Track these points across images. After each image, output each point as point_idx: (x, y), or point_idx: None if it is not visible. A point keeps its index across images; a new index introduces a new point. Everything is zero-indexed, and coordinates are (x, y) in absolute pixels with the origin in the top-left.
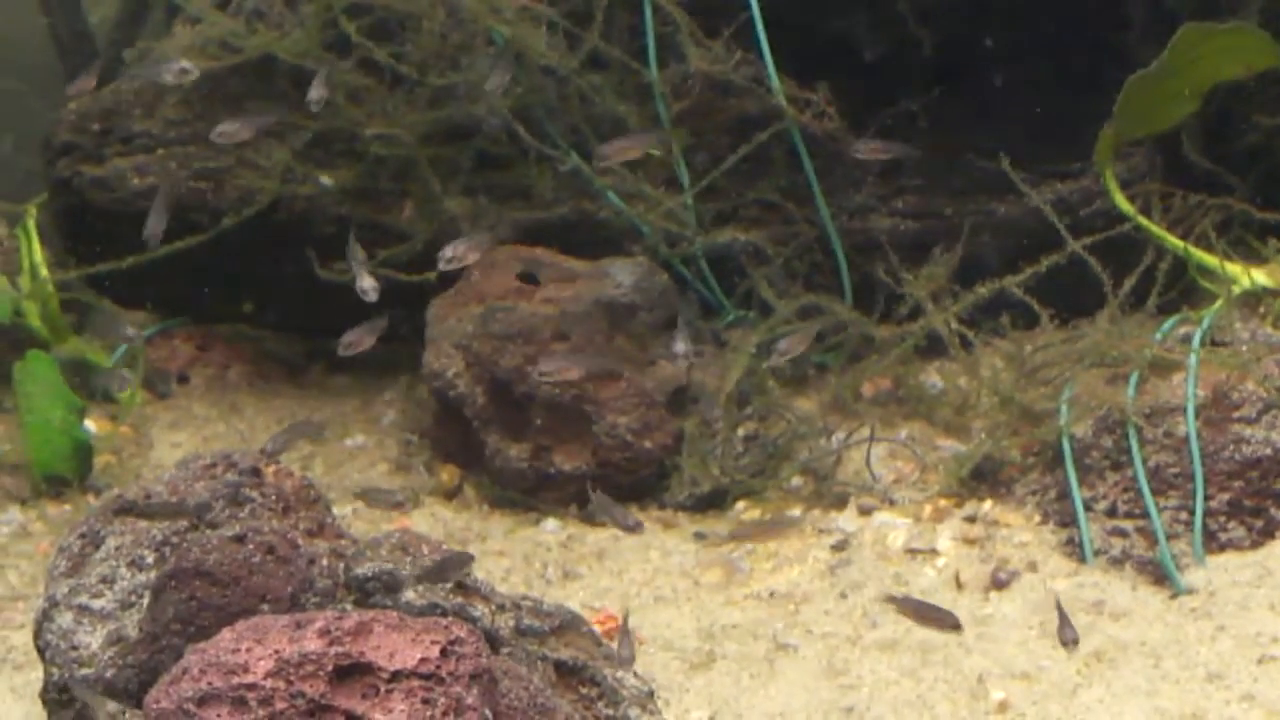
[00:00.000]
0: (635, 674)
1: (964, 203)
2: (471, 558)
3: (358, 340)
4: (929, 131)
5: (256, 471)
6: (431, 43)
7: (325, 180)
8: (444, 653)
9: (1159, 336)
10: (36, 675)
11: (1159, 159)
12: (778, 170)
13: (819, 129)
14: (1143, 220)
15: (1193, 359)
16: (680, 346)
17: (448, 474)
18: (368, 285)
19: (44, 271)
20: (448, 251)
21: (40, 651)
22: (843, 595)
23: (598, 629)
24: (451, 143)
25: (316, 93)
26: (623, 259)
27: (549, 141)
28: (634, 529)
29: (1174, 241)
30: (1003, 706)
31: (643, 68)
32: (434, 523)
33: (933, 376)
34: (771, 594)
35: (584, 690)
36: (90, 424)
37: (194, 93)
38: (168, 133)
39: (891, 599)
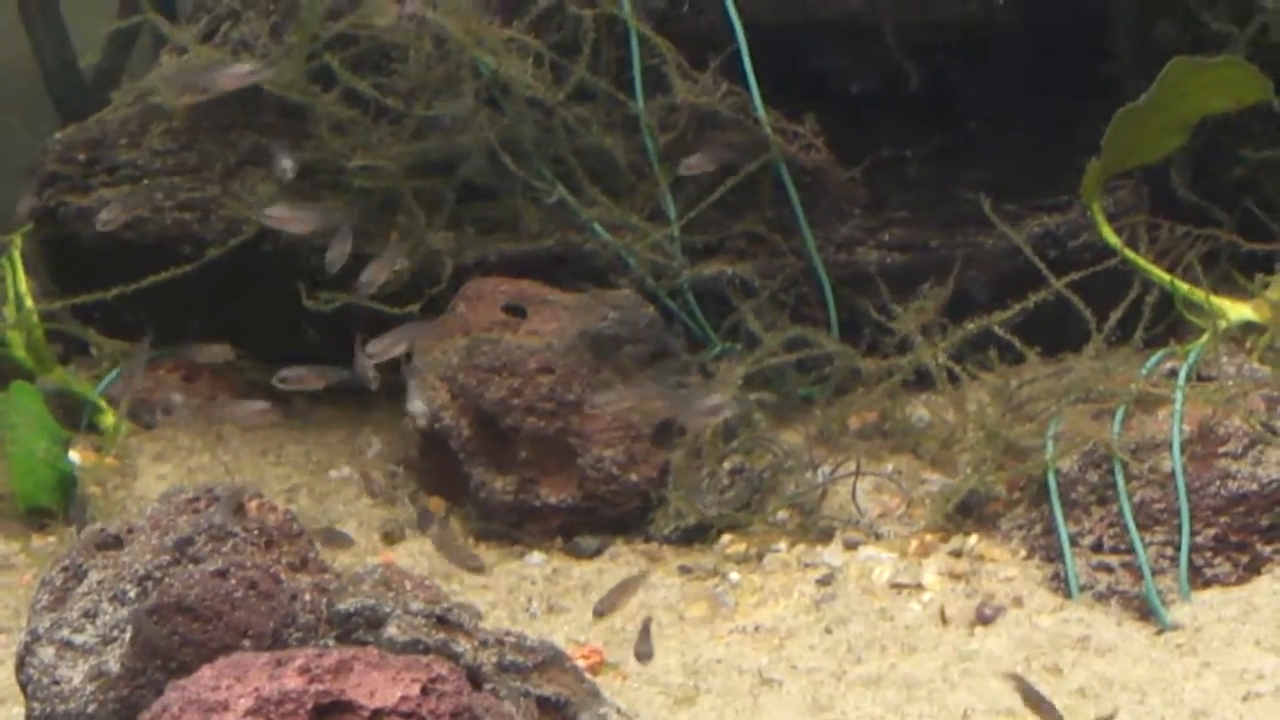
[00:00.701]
0: (618, 710)
1: (951, 235)
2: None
3: (299, 379)
4: (917, 164)
5: (240, 506)
6: (417, 74)
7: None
8: (425, 691)
9: (1145, 371)
10: (19, 710)
11: (1146, 192)
12: (764, 202)
13: (806, 161)
14: (1129, 253)
15: (1178, 394)
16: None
17: (433, 505)
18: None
19: (29, 301)
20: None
21: (22, 686)
22: (828, 630)
23: (581, 664)
24: (436, 175)
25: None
26: (609, 291)
27: (535, 173)
28: (643, 658)
29: (1160, 275)
30: None
31: (629, 99)
32: (419, 555)
33: (919, 410)
34: (756, 628)
35: None
36: (75, 455)
37: (180, 123)
38: (154, 163)
39: (1013, 677)
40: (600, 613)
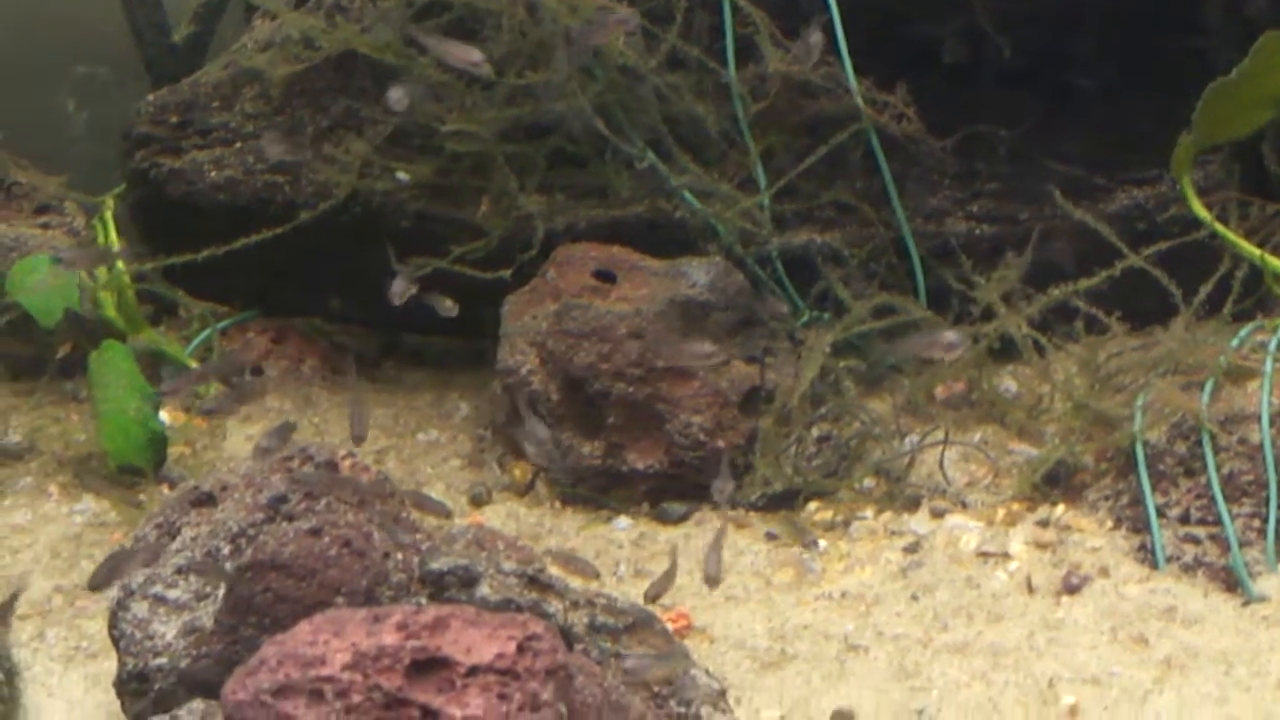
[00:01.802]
0: (707, 672)
1: (1040, 207)
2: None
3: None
4: (1007, 136)
5: (333, 465)
6: (510, 40)
7: (402, 175)
8: (520, 648)
9: (1235, 344)
10: (110, 665)
11: (1237, 167)
12: (854, 172)
13: (897, 131)
14: (1219, 227)
15: (1268, 366)
16: None
17: (520, 470)
18: (447, 305)
19: (120, 263)
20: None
21: (115, 641)
22: (914, 597)
23: (669, 627)
24: (529, 140)
25: (396, 94)
26: (698, 258)
27: (627, 140)
28: (711, 581)
29: (1250, 249)
30: (1073, 711)
31: (721, 68)
32: (506, 519)
33: (1006, 380)
34: (843, 595)
35: (656, 688)
36: (165, 415)
37: (273, 87)
38: (245, 126)
39: None
40: (653, 596)
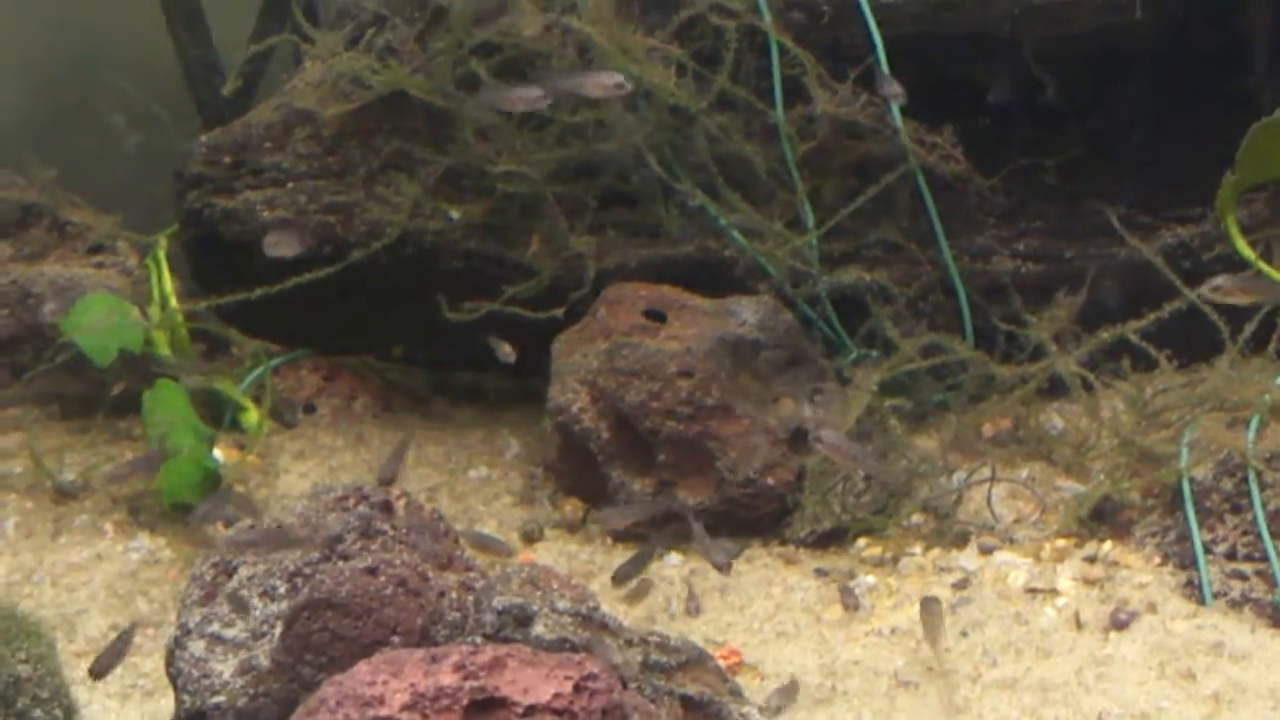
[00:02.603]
0: (759, 710)
1: (1085, 246)
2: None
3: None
4: (1053, 175)
5: (388, 505)
6: None
7: (453, 214)
8: (577, 689)
9: (1279, 381)
10: (166, 703)
11: None
12: (901, 211)
13: (944, 171)
14: (1264, 265)
15: None
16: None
17: (571, 507)
18: (506, 350)
19: (173, 301)
20: None
21: (172, 679)
22: (963, 633)
23: (722, 664)
24: (579, 180)
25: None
26: (748, 297)
27: (676, 180)
28: (722, 567)
29: None
30: None
31: (769, 108)
32: (558, 555)
33: (1053, 418)
34: (893, 631)
35: None
36: (218, 453)
37: (324, 127)
38: (298, 166)
39: None
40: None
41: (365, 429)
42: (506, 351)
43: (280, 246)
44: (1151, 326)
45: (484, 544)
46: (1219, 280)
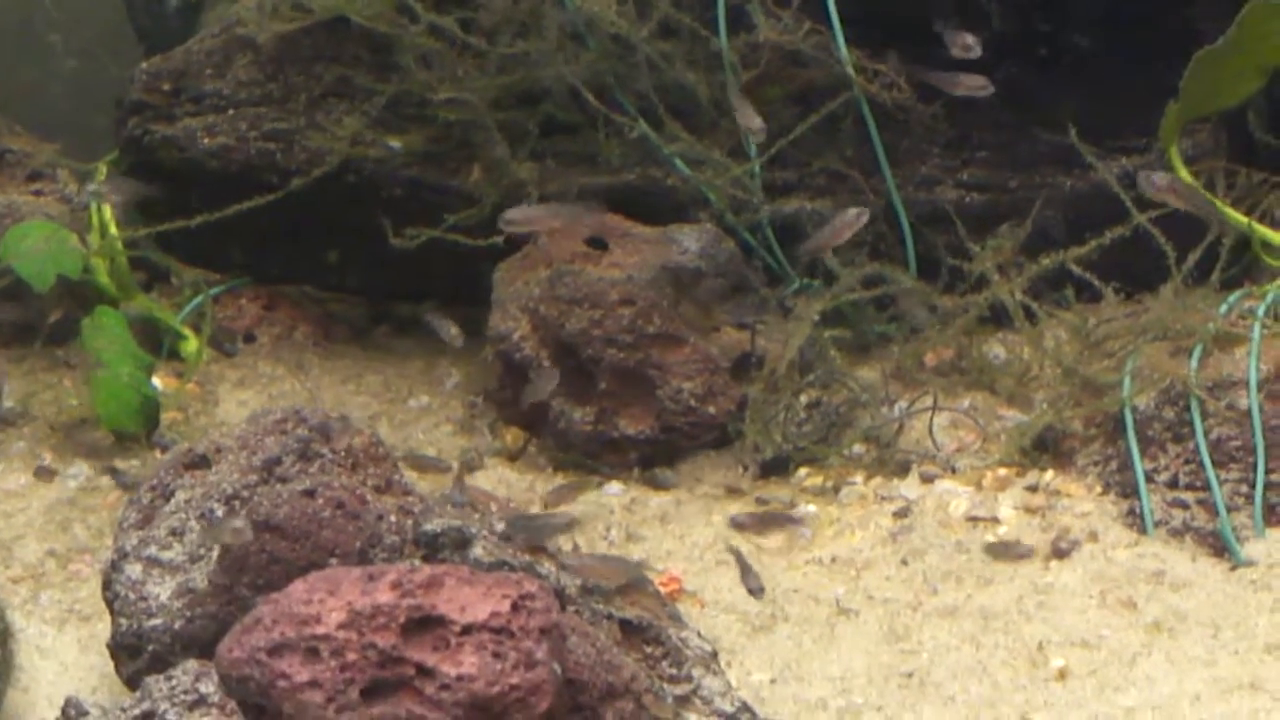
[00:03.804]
0: (699, 634)
1: (1030, 175)
2: (569, 523)
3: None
4: (997, 104)
5: (326, 428)
6: (502, 8)
7: (394, 144)
8: (515, 607)
9: (1223, 310)
10: (103, 627)
11: (1224, 136)
12: (845, 140)
13: (887, 99)
14: (1207, 195)
15: (1256, 333)
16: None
17: (512, 436)
18: (453, 333)
19: (113, 229)
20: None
21: (109, 603)
22: (904, 562)
23: (661, 590)
24: (520, 108)
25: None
26: (689, 225)
27: (618, 108)
28: (755, 592)
29: (1238, 218)
30: (1062, 674)
31: (712, 36)
32: (498, 483)
33: (995, 348)
34: (833, 559)
35: (648, 649)
36: (157, 381)
37: (265, 53)
38: (239, 93)
39: None
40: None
41: (305, 358)
42: (453, 334)
43: None
44: (1095, 255)
45: (422, 465)
46: (1157, 176)
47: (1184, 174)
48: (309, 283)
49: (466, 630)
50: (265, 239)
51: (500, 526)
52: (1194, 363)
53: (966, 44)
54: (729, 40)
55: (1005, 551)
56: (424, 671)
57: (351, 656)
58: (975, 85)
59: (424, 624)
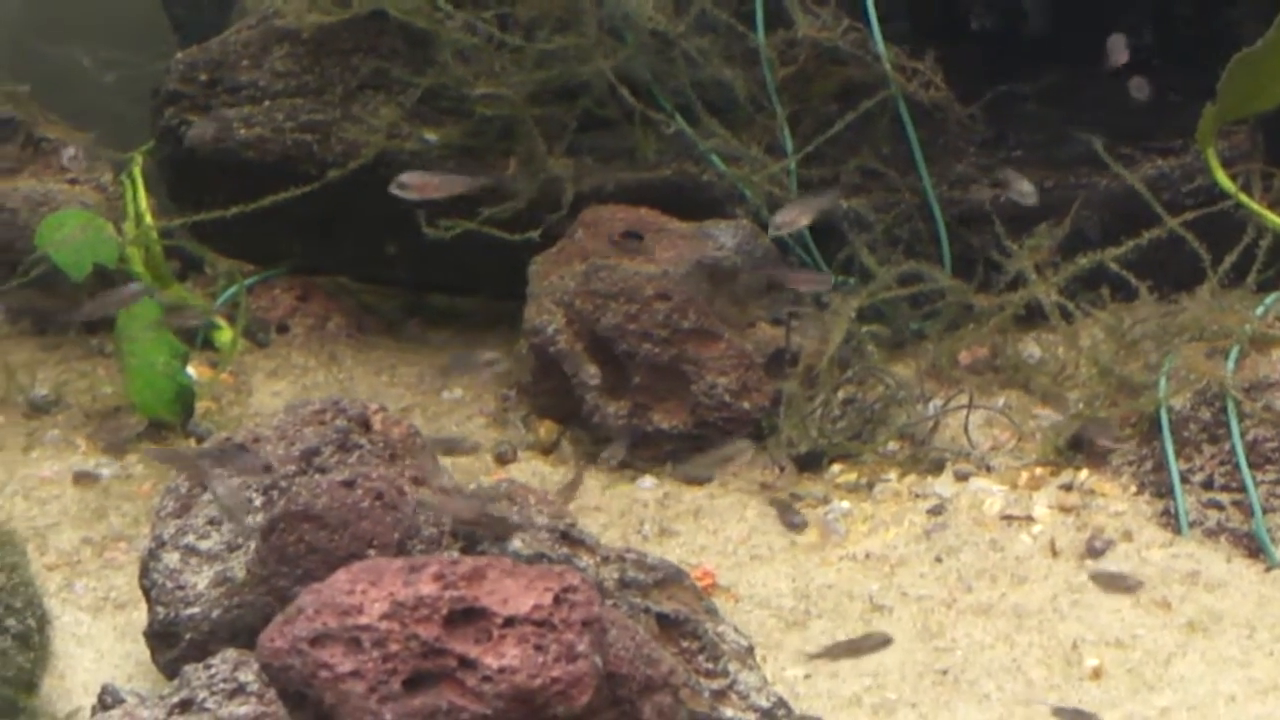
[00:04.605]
0: (735, 629)
1: (1066, 175)
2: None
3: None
4: (1034, 104)
5: (365, 419)
6: (540, 3)
7: (430, 137)
8: (557, 600)
9: (1260, 312)
10: (139, 615)
11: (1261, 138)
12: (881, 138)
13: (924, 98)
14: (1243, 198)
15: None
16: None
17: (545, 429)
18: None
19: (148, 218)
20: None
21: (146, 591)
22: (938, 559)
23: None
24: (557, 103)
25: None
26: (725, 221)
27: (654, 104)
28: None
29: (1274, 220)
30: (1097, 673)
31: (750, 32)
32: (531, 476)
33: (1030, 346)
34: (867, 556)
35: (685, 643)
36: (191, 370)
37: (302, 45)
38: (275, 84)
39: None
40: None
41: (339, 349)
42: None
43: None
44: (1132, 255)
45: (451, 446)
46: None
47: (1220, 175)
48: (343, 274)
49: (509, 622)
50: (300, 230)
51: (539, 520)
52: (1230, 364)
53: (1024, 190)
54: (767, 36)
55: (1113, 583)
56: (466, 663)
57: (394, 647)
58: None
59: (466, 616)
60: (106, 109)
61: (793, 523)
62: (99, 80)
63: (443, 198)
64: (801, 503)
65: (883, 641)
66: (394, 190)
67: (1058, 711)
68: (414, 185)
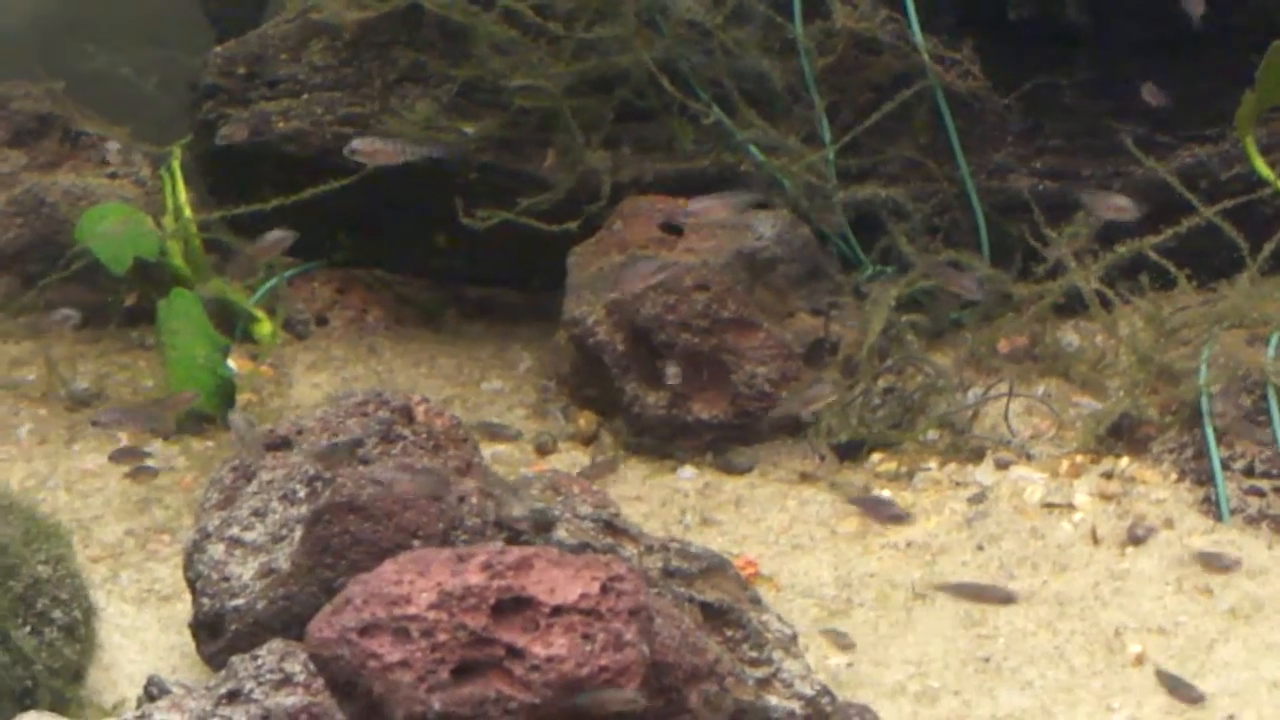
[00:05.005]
0: (779, 618)
1: (1104, 164)
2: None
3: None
4: (1072, 93)
5: (408, 410)
6: None
7: (467, 129)
8: (604, 589)
9: None
10: (183, 607)
11: None
12: (919, 128)
13: (962, 88)
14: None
15: None
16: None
17: (585, 420)
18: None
19: (187, 212)
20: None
21: (191, 583)
22: (979, 547)
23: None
24: (595, 94)
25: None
26: (764, 211)
27: (693, 95)
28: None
29: None
30: (1139, 659)
31: (788, 23)
32: (571, 467)
33: (1069, 335)
34: (908, 544)
35: (729, 632)
36: (231, 363)
37: (340, 38)
38: (314, 77)
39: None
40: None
41: (377, 341)
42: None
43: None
44: (1171, 243)
45: (493, 432)
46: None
47: (1259, 163)
48: (381, 267)
49: (556, 611)
50: (338, 223)
51: (583, 510)
52: (1271, 350)
53: (1120, 205)
54: (804, 27)
55: (1212, 563)
56: (514, 652)
57: (442, 637)
58: (1120, 206)
59: (514, 605)
60: (143, 104)
61: (893, 514)
62: (134, 75)
63: (392, 164)
64: (841, 491)
65: (1006, 597)
66: (348, 154)
67: (1160, 675)
68: (364, 151)
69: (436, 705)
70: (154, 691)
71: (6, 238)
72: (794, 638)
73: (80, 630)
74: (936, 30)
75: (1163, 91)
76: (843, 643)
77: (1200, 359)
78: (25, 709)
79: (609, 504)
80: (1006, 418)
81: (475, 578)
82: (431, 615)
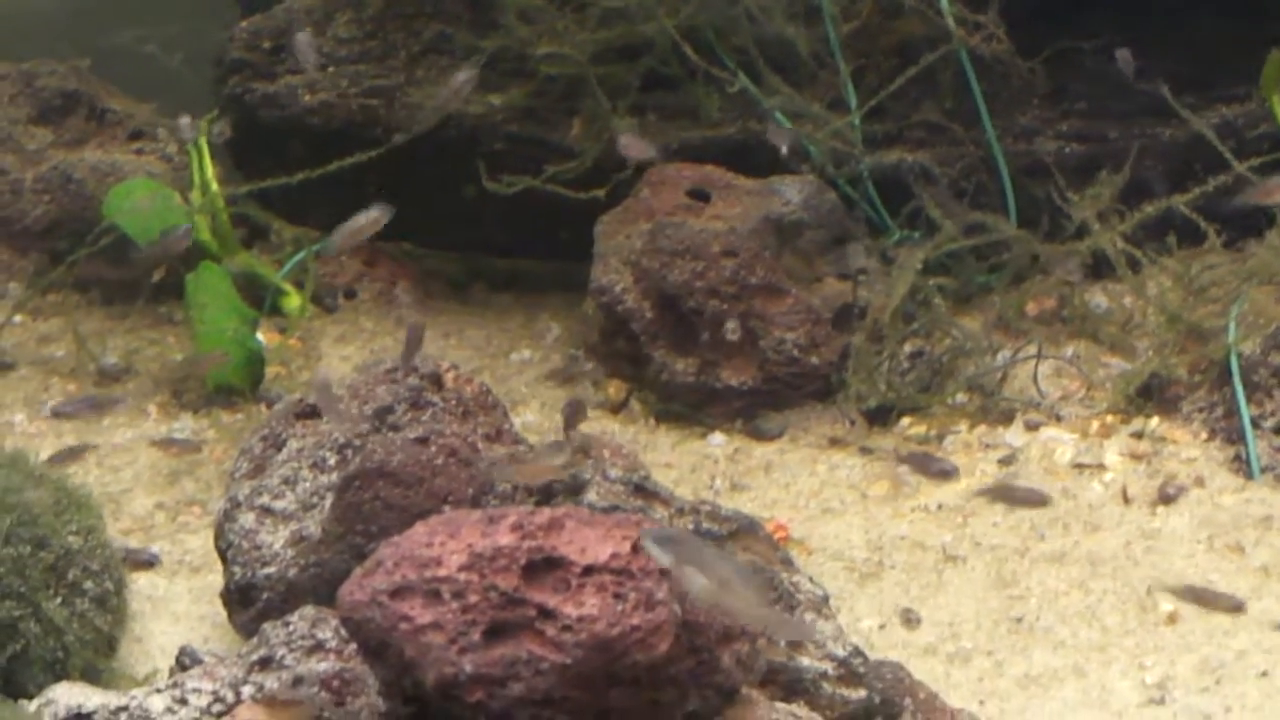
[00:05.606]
0: (810, 579)
1: (1129, 126)
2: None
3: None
4: (1096, 56)
5: (437, 377)
6: None
7: (494, 100)
8: (635, 548)
9: None
10: (214, 578)
11: None
12: (944, 92)
13: (987, 52)
14: None
15: None
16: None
17: (614, 388)
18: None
19: (214, 186)
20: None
21: (222, 552)
22: (1010, 509)
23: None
24: (620, 62)
25: None
26: (791, 177)
27: (718, 62)
28: None
29: None
30: (1172, 618)
31: None
32: (601, 436)
33: (1097, 296)
34: (939, 507)
35: None
36: (260, 336)
37: (365, 11)
38: (339, 50)
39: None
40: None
41: (404, 313)
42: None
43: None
44: (1199, 203)
45: (565, 376)
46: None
47: None
48: (409, 239)
49: (587, 571)
50: (366, 195)
51: (614, 473)
52: None
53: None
54: None
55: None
56: (545, 613)
57: (473, 598)
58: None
59: (545, 565)
60: (168, 79)
61: (944, 470)
62: (160, 51)
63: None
64: (871, 455)
65: (1041, 499)
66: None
67: (1182, 591)
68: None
69: (468, 667)
70: (186, 661)
71: (34, 214)
72: (826, 599)
73: (112, 601)
74: None
75: (1136, 61)
76: (875, 604)
77: (1229, 317)
78: (57, 679)
79: (639, 467)
80: (1036, 380)
81: (506, 538)
82: (462, 577)
